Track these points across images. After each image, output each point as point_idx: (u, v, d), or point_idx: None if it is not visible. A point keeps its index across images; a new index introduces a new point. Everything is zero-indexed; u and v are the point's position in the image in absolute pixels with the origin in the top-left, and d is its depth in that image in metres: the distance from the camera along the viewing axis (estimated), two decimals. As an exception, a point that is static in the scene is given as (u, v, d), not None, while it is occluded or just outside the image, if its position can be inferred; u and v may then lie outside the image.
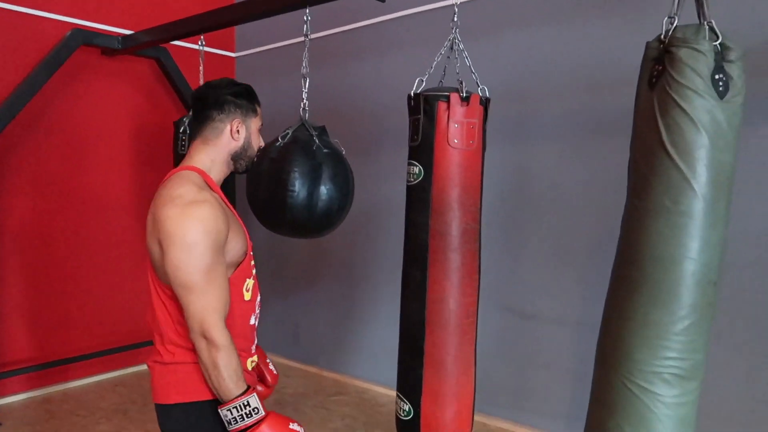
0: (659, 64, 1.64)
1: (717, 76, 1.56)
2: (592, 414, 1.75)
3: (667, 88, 1.58)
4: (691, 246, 1.56)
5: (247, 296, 1.64)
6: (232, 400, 1.44)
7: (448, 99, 2.05)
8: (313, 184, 2.52)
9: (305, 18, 2.81)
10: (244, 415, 1.44)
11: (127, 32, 4.04)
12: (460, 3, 2.28)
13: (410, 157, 2.17)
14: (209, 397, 1.53)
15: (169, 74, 4.30)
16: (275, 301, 4.73)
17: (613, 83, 2.94)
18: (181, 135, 3.52)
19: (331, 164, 2.60)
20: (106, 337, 4.22)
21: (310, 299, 4.49)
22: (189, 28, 3.47)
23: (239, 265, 1.60)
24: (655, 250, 1.59)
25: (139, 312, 4.40)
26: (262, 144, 1.74)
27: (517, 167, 3.33)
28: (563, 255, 3.19)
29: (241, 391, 1.45)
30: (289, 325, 4.61)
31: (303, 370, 4.45)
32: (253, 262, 1.70)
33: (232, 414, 1.44)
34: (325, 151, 2.59)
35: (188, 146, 1.67)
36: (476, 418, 3.46)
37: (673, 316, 1.57)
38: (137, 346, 4.31)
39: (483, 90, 2.23)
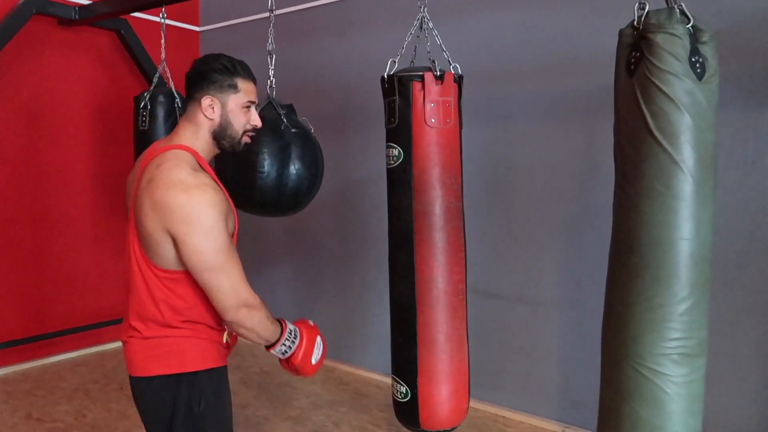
0: (636, 50, 1.67)
1: (693, 59, 1.60)
2: (605, 400, 1.79)
3: (648, 73, 1.62)
4: (686, 227, 1.61)
5: None
6: (281, 337, 1.63)
7: (422, 78, 2.04)
8: (282, 164, 2.49)
9: (271, -8, 2.75)
10: (294, 339, 1.66)
11: (85, 2, 3.89)
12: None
13: (388, 139, 2.15)
14: (187, 369, 1.59)
15: (130, 47, 4.17)
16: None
17: (585, 64, 2.97)
18: (141, 110, 3.42)
19: (300, 143, 2.57)
20: (66, 317, 4.13)
21: (279, 279, 4.46)
22: (151, -1, 3.37)
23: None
24: (651, 234, 1.63)
25: (99, 290, 4.31)
26: (256, 123, 1.67)
27: (487, 147, 3.35)
28: (536, 235, 3.23)
29: (280, 327, 1.64)
30: (254, 304, 4.58)
31: (268, 349, 4.44)
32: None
33: (286, 345, 1.63)
34: (293, 130, 2.56)
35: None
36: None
37: (676, 297, 1.62)
38: (99, 326, 4.23)
39: (455, 68, 2.22)
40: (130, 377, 1.65)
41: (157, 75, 3.61)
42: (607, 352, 1.78)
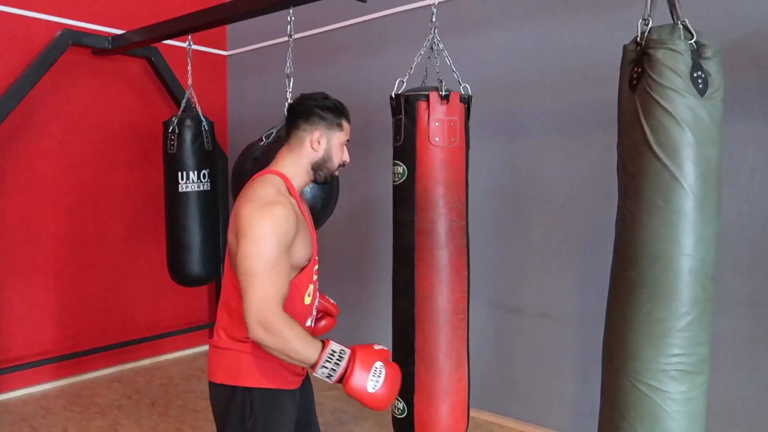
0: (638, 66, 1.67)
1: (696, 74, 1.60)
2: (604, 417, 1.77)
3: (648, 89, 1.62)
4: (686, 243, 1.60)
5: (307, 300, 1.76)
6: (318, 359, 1.50)
7: (427, 98, 2.08)
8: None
9: (289, 18, 2.84)
10: (337, 361, 1.51)
11: (118, 32, 4.06)
12: (439, 3, 2.31)
13: (394, 157, 2.20)
14: (243, 384, 1.65)
15: (161, 74, 4.33)
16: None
17: (597, 79, 2.98)
18: (170, 135, 3.53)
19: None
20: (101, 334, 4.26)
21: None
22: (178, 27, 3.50)
23: (303, 269, 1.70)
24: (651, 249, 1.62)
25: (132, 309, 4.44)
26: (347, 159, 1.79)
27: (504, 163, 3.37)
28: (551, 250, 3.23)
29: (320, 348, 1.52)
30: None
31: (296, 365, 4.50)
32: (316, 268, 1.79)
33: (327, 368, 1.51)
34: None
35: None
36: (465, 411, 3.52)
37: (676, 313, 1.61)
38: (131, 343, 4.36)
39: (465, 88, 2.26)
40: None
41: (184, 100, 3.74)
42: (607, 366, 1.77)
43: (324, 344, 1.52)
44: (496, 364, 3.47)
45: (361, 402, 1.54)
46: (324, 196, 2.60)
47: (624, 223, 1.72)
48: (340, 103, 1.78)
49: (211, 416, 3.75)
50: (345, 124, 1.77)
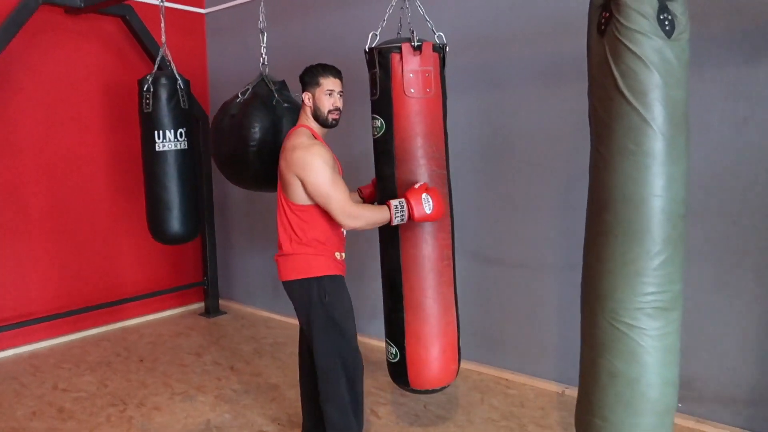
0: (605, 10, 1.69)
1: (662, 16, 1.61)
2: (584, 356, 1.85)
3: (617, 33, 1.64)
4: (657, 183, 1.64)
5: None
6: (391, 215, 2.16)
7: (400, 50, 2.09)
8: (274, 138, 2.58)
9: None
10: (402, 209, 2.16)
11: (90, -11, 3.98)
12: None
13: (372, 111, 2.22)
14: (314, 275, 2.29)
15: (136, 32, 4.27)
16: (255, 256, 4.82)
17: (573, 30, 2.95)
18: (145, 93, 3.50)
19: (292, 118, 2.65)
20: (89, 295, 4.31)
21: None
22: (151, -17, 3.45)
23: None
24: (623, 192, 1.67)
25: (120, 269, 4.48)
26: (335, 104, 2.30)
27: (484, 114, 3.39)
28: (532, 199, 3.28)
29: (386, 209, 2.17)
30: (269, 277, 4.72)
31: (282, 321, 4.58)
32: None
33: (399, 216, 2.16)
34: (285, 105, 2.63)
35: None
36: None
37: (649, 253, 1.66)
38: (119, 303, 4.41)
39: (440, 37, 2.25)
40: (281, 281, 2.39)
41: (158, 58, 3.69)
42: (585, 308, 1.84)
43: (388, 205, 2.16)
44: (478, 314, 3.55)
45: (428, 221, 2.18)
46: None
47: (597, 168, 1.76)
48: (321, 65, 2.31)
49: (198, 370, 3.87)
50: (322, 80, 2.28)
